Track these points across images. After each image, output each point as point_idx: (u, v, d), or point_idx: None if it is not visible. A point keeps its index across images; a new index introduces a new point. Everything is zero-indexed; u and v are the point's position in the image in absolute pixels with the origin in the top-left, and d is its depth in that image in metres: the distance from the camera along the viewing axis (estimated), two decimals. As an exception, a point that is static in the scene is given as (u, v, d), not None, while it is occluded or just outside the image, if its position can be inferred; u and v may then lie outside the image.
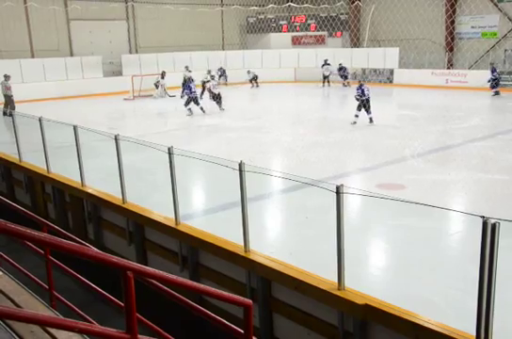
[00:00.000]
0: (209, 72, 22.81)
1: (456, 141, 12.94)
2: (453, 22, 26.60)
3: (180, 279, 2.84)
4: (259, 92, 25.72)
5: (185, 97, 18.51)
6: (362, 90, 15.08)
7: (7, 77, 18.45)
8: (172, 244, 7.47)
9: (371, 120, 15.07)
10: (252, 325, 3.22)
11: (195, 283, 3.03)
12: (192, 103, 18.04)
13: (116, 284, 2.81)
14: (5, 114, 16.10)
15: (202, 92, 20.64)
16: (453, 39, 27.06)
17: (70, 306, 4.48)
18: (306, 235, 6.76)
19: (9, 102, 18.01)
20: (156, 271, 2.72)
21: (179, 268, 7.33)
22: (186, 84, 18.86)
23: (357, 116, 15.11)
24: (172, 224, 7.01)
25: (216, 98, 18.93)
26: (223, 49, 31.72)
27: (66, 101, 22.77)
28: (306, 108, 19.93)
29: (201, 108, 18.20)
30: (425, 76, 25.66)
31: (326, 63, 26.79)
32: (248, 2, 30.62)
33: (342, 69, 25.99)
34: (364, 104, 15.03)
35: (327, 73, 26.57)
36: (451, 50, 27.21)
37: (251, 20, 32.04)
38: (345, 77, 26.05)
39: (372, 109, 15.10)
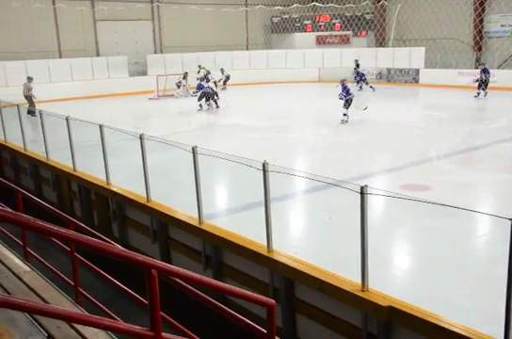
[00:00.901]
0: (208, 72, 24.07)
1: (483, 142, 12.70)
2: (481, 20, 26.09)
3: (204, 278, 2.86)
4: (283, 92, 25.56)
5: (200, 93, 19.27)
6: (348, 90, 15.73)
7: (30, 79, 18.95)
8: (196, 243, 7.50)
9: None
10: (275, 325, 3.22)
11: (219, 283, 3.04)
12: (204, 99, 18.90)
13: (140, 282, 2.83)
14: (29, 112, 16.43)
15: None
16: (481, 38, 26.54)
17: (95, 303, 4.55)
18: (330, 236, 6.72)
19: (30, 102, 18.44)
20: (181, 270, 2.73)
21: (202, 267, 7.37)
22: (199, 83, 19.40)
23: (345, 114, 15.58)
24: (196, 223, 7.04)
25: (216, 96, 19.52)
26: (247, 49, 31.74)
27: (92, 100, 23.06)
28: (330, 109, 19.75)
29: (213, 104, 19.09)
30: (452, 76, 25.19)
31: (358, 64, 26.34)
32: (273, 2, 30.59)
33: (363, 74, 25.34)
34: (349, 103, 15.63)
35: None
36: (479, 49, 26.69)
37: (276, 20, 31.97)
38: (366, 82, 25.21)
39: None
